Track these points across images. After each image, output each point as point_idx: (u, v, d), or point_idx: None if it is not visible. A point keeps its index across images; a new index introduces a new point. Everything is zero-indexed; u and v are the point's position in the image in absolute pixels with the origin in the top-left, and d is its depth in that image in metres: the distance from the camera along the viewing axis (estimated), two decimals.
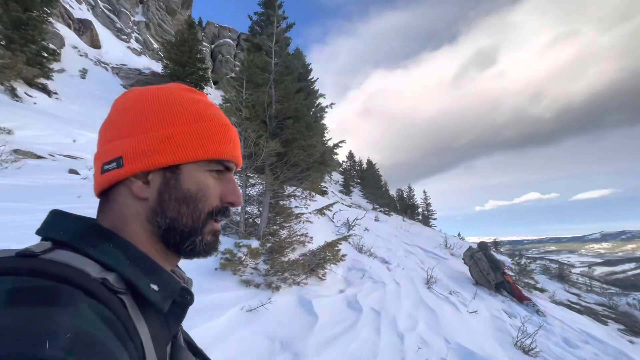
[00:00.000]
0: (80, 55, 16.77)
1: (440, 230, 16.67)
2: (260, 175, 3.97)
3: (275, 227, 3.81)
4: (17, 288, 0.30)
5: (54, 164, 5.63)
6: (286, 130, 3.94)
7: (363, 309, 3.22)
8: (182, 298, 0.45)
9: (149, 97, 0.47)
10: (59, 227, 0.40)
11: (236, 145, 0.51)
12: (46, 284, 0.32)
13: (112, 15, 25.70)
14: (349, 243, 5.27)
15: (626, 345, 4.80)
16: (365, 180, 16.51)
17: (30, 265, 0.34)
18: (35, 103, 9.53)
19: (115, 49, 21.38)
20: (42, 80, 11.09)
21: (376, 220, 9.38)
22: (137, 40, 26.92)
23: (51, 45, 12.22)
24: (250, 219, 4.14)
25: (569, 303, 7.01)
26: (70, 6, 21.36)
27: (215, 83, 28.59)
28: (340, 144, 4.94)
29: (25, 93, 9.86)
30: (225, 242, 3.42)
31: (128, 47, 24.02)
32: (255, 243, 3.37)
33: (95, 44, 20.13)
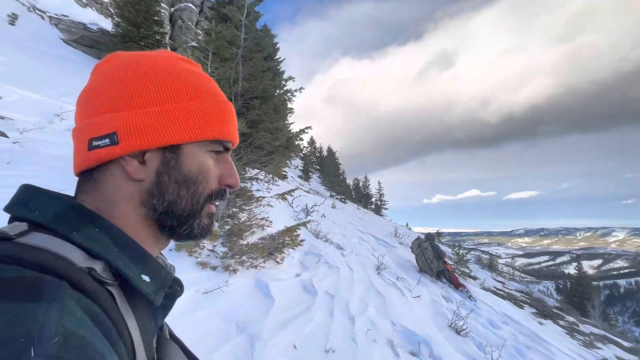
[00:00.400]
0: None
1: (391, 219, 17.60)
2: None
3: (235, 209, 3.73)
4: None
5: None
6: (252, 111, 3.81)
7: (318, 292, 3.32)
8: (170, 289, 0.43)
9: (145, 66, 0.42)
10: (35, 205, 0.36)
11: (235, 124, 0.49)
12: (26, 273, 0.28)
13: None
14: (307, 229, 5.36)
15: (537, 326, 5.60)
16: (324, 167, 16.72)
17: (4, 250, 0.30)
18: None
19: None
20: None
21: (333, 207, 9.61)
22: None
23: None
24: None
25: (495, 289, 7.93)
26: None
27: (173, 50, 26.45)
28: (306, 130, 4.91)
29: None
30: None
31: None
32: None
33: None
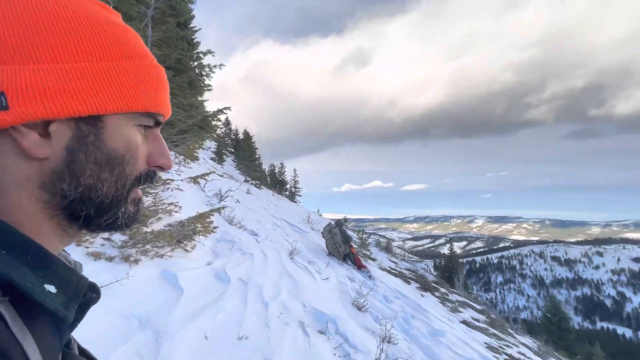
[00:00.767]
0: None
1: (304, 206, 18.18)
2: None
3: None
4: None
5: None
6: None
7: (231, 280, 3.26)
8: (84, 297, 0.34)
9: (55, 6, 0.31)
10: None
11: (168, 93, 0.40)
12: None
13: None
14: (221, 215, 5.13)
15: (420, 298, 6.67)
16: (240, 150, 16.08)
17: None
18: None
19: None
20: None
21: (248, 193, 9.40)
22: None
23: None
24: None
25: (389, 269, 9.08)
26: None
27: None
28: (225, 110, 4.60)
29: None
30: None
31: None
32: None
33: None
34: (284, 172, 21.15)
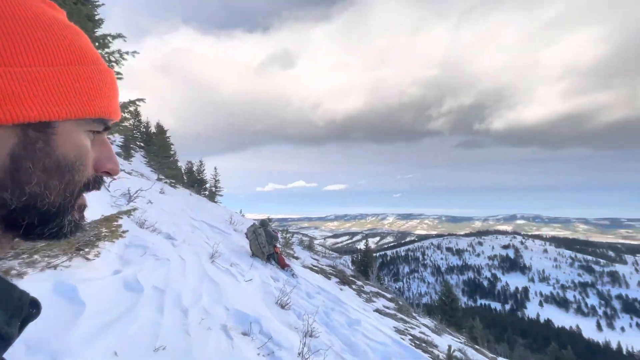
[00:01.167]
0: None
1: (225, 206, 17.41)
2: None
3: None
4: None
5: None
6: None
7: (144, 288, 2.98)
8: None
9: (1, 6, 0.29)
10: None
11: (118, 97, 0.40)
12: None
13: None
14: (130, 217, 4.60)
15: (339, 292, 7.11)
16: (151, 145, 14.48)
17: None
18: None
19: None
20: None
21: (162, 192, 8.57)
22: None
23: None
24: None
25: (312, 266, 9.42)
26: None
27: None
28: (138, 102, 4.08)
29: None
30: None
31: None
32: None
33: None
34: (204, 170, 19.82)
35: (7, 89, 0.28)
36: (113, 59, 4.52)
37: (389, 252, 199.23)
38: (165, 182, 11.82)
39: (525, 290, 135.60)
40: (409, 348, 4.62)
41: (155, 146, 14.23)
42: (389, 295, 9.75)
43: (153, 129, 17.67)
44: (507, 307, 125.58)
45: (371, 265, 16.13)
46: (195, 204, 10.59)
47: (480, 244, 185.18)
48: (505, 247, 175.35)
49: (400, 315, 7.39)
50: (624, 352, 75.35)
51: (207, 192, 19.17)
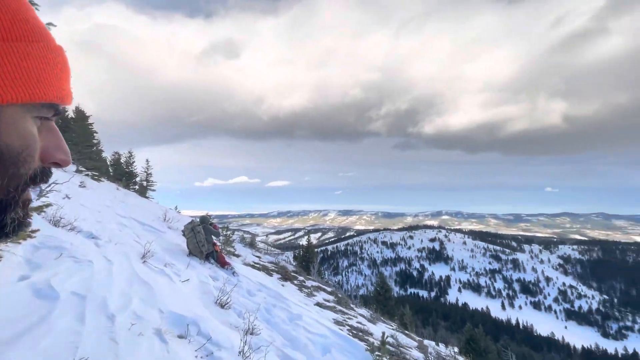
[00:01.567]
0: None
1: (158, 202, 16.11)
2: None
3: None
4: None
5: None
6: None
7: (60, 295, 2.64)
8: None
9: None
10: None
11: (70, 79, 0.35)
12: None
13: None
14: (42, 215, 4.00)
15: (281, 288, 7.13)
16: (69, 133, 12.64)
17: None
18: None
19: None
20: None
21: (82, 186, 7.56)
22: None
23: None
24: None
25: (253, 264, 9.27)
26: None
27: None
28: None
29: None
30: None
31: None
32: None
33: None
34: (134, 162, 17.91)
35: None
36: None
37: (329, 247, 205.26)
38: (87, 175, 10.45)
39: (448, 278, 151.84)
40: (347, 338, 4.86)
41: (74, 134, 12.44)
42: (329, 289, 10.08)
43: (71, 114, 15.43)
44: (433, 294, 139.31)
45: (313, 261, 16.47)
46: (122, 200, 9.57)
47: (411, 237, 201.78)
48: (432, 240, 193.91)
49: (339, 308, 7.71)
50: (521, 327, 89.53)
51: (137, 187, 17.46)
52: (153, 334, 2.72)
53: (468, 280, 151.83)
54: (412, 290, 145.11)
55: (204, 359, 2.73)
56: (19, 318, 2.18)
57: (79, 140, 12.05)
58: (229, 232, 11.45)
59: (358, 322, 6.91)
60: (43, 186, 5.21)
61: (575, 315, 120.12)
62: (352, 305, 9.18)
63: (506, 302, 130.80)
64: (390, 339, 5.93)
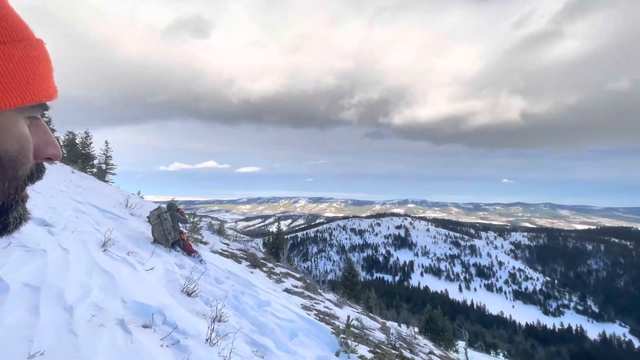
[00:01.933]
0: None
1: (119, 186, 15.28)
2: None
3: None
4: None
5: None
6: None
7: (10, 287, 2.49)
8: None
9: None
10: None
11: (53, 72, 0.34)
12: None
13: None
14: None
15: (249, 275, 7.15)
16: None
17: None
18: None
19: None
20: None
21: None
22: None
23: None
24: None
25: (221, 251, 9.16)
26: None
27: None
28: None
29: None
30: None
31: None
32: None
33: None
34: (91, 143, 16.63)
35: None
36: None
37: (299, 234, 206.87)
38: None
39: (411, 263, 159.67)
40: (314, 322, 5.03)
41: None
42: (297, 275, 10.25)
43: None
44: (397, 278, 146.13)
45: (282, 247, 16.57)
46: (79, 184, 8.94)
47: (379, 224, 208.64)
48: (398, 227, 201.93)
49: (307, 293, 7.89)
50: (475, 307, 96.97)
51: (95, 170, 16.33)
52: (116, 324, 2.65)
53: (430, 265, 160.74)
54: (378, 275, 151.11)
55: (170, 347, 2.72)
56: None
57: None
58: (196, 219, 11.16)
59: (325, 307, 7.14)
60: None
61: (521, 296, 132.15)
62: (320, 291, 9.43)
63: (463, 285, 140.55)
64: (355, 322, 6.22)
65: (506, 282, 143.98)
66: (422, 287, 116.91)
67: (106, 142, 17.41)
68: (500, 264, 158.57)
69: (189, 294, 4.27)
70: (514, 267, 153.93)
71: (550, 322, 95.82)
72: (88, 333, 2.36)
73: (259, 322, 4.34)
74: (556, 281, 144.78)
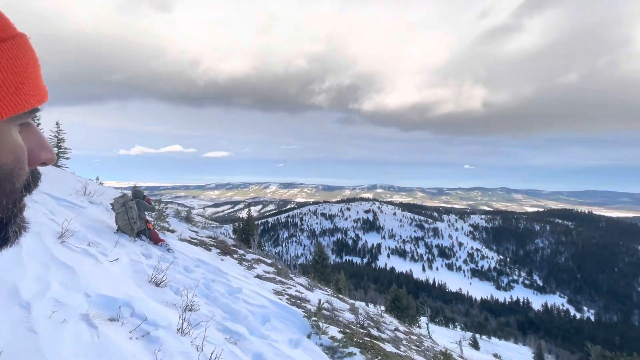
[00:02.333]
0: None
1: (74, 172, 14.25)
2: None
3: None
4: None
5: None
6: None
7: None
8: None
9: None
10: None
11: (40, 71, 0.32)
12: None
13: None
14: None
15: (220, 263, 7.09)
16: None
17: None
18: None
19: None
20: None
21: None
22: None
23: None
24: None
25: (190, 239, 8.95)
26: None
27: None
28: None
29: None
30: None
31: None
32: None
33: None
34: (39, 124, 15.18)
35: None
36: None
37: (270, 220, 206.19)
38: None
39: (379, 246, 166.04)
40: (286, 306, 5.15)
41: None
42: (269, 261, 10.31)
43: None
44: (365, 260, 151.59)
45: (253, 233, 16.48)
46: None
47: (348, 209, 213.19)
48: (367, 211, 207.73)
49: (279, 278, 7.99)
50: (436, 285, 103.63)
51: None
52: (80, 319, 2.55)
53: (396, 247, 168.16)
54: (347, 257, 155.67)
55: (139, 339, 2.67)
56: None
57: None
58: (162, 206, 10.73)
59: (297, 291, 7.30)
60: None
61: (478, 273, 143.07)
62: (291, 275, 9.58)
63: (426, 265, 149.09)
64: (325, 304, 6.43)
65: (465, 261, 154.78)
66: (388, 268, 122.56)
67: (57, 123, 15.97)
68: (460, 244, 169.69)
69: (157, 284, 4.17)
70: (472, 248, 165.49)
71: (501, 296, 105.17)
72: (49, 330, 2.26)
73: (231, 309, 4.36)
74: (508, 259, 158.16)
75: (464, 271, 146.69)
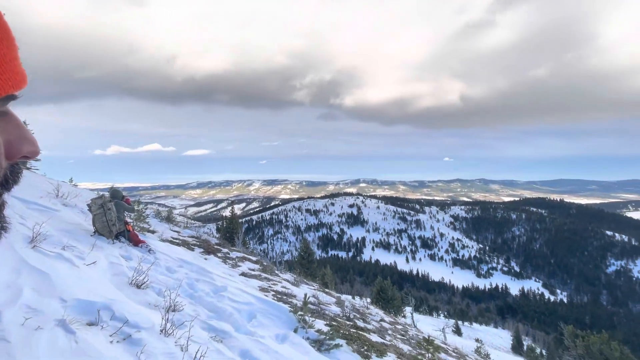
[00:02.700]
0: None
1: (45, 174, 13.56)
2: None
3: None
4: None
5: None
6: None
7: None
8: None
9: None
10: None
11: (17, 52, 0.30)
12: None
13: None
14: None
15: (203, 262, 6.98)
16: None
17: None
18: None
19: None
20: None
21: None
22: None
23: None
24: None
25: (172, 239, 8.75)
26: None
27: None
28: None
29: None
30: None
31: None
32: None
33: None
34: None
35: None
36: None
37: (254, 217, 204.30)
38: None
39: (363, 239, 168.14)
40: (272, 302, 5.15)
41: None
42: (254, 258, 10.24)
43: None
44: (350, 254, 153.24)
45: (237, 231, 16.29)
46: None
47: (333, 204, 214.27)
48: (351, 206, 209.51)
49: (264, 275, 7.97)
50: (420, 276, 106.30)
51: None
52: (56, 325, 2.46)
53: (380, 239, 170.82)
54: (333, 252, 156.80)
55: (121, 343, 2.61)
56: None
57: None
58: (141, 206, 10.42)
59: (283, 287, 7.30)
60: None
61: (459, 262, 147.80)
62: (277, 272, 9.56)
63: (410, 257, 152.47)
64: (312, 299, 6.48)
65: (447, 251, 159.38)
66: (373, 261, 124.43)
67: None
68: (442, 235, 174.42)
69: (138, 286, 4.07)
70: (453, 238, 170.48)
71: (482, 284, 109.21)
72: (23, 338, 2.16)
73: (216, 308, 4.32)
74: (487, 247, 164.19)
75: (445, 261, 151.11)
